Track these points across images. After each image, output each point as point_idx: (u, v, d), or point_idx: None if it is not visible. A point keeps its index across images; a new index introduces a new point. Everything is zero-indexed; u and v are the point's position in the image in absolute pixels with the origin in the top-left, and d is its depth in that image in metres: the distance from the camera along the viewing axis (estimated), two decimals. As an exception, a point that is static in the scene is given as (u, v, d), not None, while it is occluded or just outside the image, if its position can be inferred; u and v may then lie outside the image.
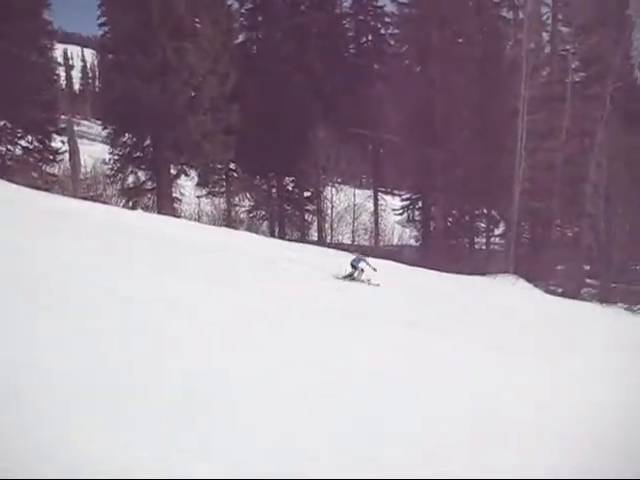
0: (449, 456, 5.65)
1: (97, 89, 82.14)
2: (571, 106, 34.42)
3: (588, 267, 35.39)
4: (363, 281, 19.28)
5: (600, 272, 33.85)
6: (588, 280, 35.08)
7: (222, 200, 38.70)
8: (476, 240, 39.08)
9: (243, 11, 40.13)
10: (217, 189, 37.16)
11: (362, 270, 19.34)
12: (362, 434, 5.79)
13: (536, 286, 31.83)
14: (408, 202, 40.22)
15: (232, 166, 37.69)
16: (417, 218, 39.79)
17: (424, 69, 38.13)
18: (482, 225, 38.93)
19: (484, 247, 38.66)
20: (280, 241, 32.65)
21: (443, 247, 35.64)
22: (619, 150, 32.69)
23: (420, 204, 39.33)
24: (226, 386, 6.29)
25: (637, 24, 36.69)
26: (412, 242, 40.04)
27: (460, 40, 37.50)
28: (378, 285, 19.24)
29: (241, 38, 40.16)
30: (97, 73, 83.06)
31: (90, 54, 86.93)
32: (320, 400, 6.56)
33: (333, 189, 38.37)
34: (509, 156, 33.21)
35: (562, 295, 32.08)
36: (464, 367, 10.34)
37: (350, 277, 19.26)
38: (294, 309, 12.33)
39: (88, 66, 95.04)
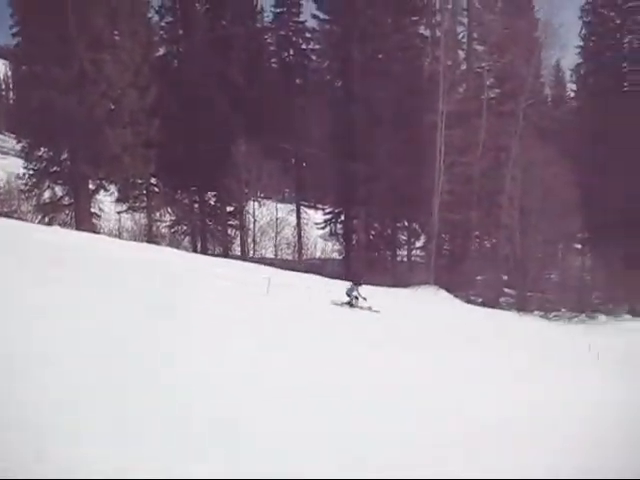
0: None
1: (11, 101, 79.32)
2: (487, 121, 35.59)
3: (506, 277, 36.50)
4: (362, 307, 19.97)
5: (517, 282, 34.93)
6: (506, 289, 36.18)
7: (143, 215, 37.93)
8: (398, 252, 39.63)
9: (163, 24, 39.77)
10: (138, 204, 36.37)
11: (356, 298, 20.22)
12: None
13: (456, 296, 32.61)
14: (330, 215, 40.50)
15: (153, 180, 37.02)
16: (339, 231, 40.05)
17: (345, 84, 38.65)
18: (403, 237, 39.56)
19: (406, 259, 39.26)
20: (206, 257, 32.27)
21: (366, 260, 36.00)
22: (532, 164, 33.92)
23: (342, 217, 39.65)
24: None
25: (545, 45, 38.25)
26: (335, 255, 40.26)
27: (380, 56, 38.17)
28: (379, 312, 19.71)
29: (162, 51, 39.75)
30: (11, 84, 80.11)
31: (2, 64, 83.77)
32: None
33: (256, 203, 38.21)
34: (428, 170, 33.97)
35: (482, 304, 32.98)
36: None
37: (349, 304, 20.13)
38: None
39: (1, 77, 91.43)
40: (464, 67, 40.82)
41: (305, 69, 43.15)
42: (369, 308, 19.93)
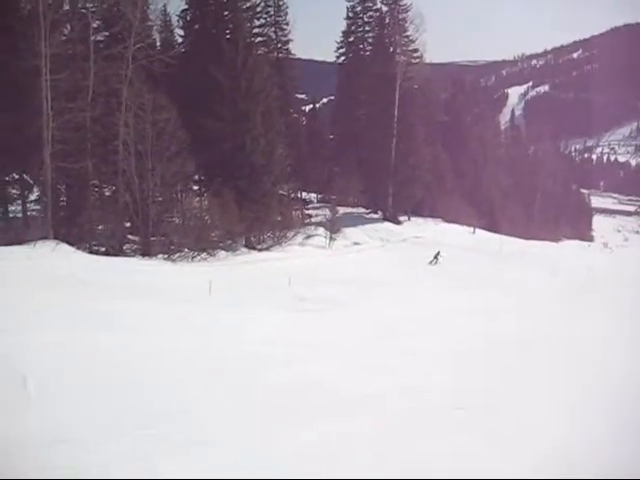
0: None
1: None
2: (95, 65, 34.48)
3: (128, 224, 36.48)
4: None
5: (139, 227, 35.14)
6: (130, 236, 36.27)
7: None
8: (11, 208, 36.65)
9: None
10: None
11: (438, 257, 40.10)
12: None
13: (78, 248, 31.67)
14: None
15: None
16: (-60, 190, 35.38)
17: None
18: (15, 192, 36.64)
19: (21, 215, 36.60)
20: None
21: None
22: (143, 108, 34.03)
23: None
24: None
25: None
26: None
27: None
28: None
29: None
30: None
31: None
32: None
33: None
34: (35, 117, 31.77)
35: (106, 254, 32.65)
36: None
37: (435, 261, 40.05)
38: None
39: None
40: (67, 7, 38.56)
41: None
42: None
